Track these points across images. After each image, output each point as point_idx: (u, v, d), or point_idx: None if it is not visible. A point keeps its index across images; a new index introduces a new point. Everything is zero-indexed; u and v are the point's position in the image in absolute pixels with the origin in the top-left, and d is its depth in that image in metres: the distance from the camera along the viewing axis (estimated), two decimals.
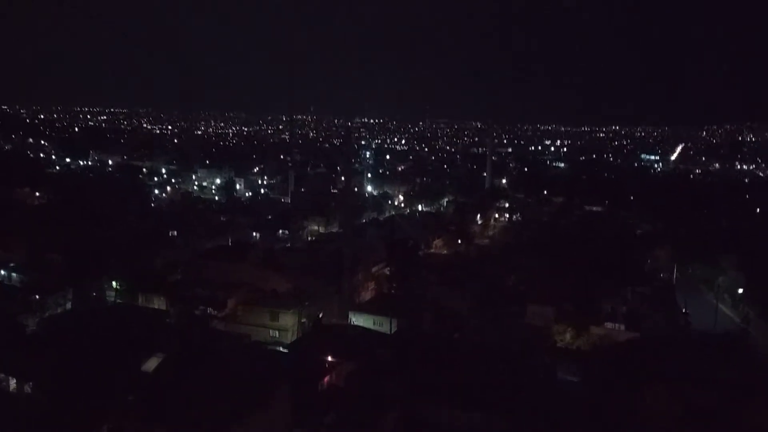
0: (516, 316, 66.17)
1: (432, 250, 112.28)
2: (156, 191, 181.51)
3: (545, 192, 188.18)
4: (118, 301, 79.31)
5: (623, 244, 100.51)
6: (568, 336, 62.01)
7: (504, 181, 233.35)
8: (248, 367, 48.07)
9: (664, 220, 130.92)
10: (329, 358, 53.23)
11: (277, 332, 68.43)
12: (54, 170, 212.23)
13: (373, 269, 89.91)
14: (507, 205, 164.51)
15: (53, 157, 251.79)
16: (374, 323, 66.32)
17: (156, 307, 76.65)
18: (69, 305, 76.77)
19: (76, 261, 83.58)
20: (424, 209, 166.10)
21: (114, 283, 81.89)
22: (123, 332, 57.74)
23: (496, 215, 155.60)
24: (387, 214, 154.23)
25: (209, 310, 74.02)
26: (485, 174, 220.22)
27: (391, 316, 65.33)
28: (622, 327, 63.51)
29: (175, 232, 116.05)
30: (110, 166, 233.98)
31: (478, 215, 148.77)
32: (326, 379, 50.34)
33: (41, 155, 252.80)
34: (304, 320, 69.55)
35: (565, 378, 47.29)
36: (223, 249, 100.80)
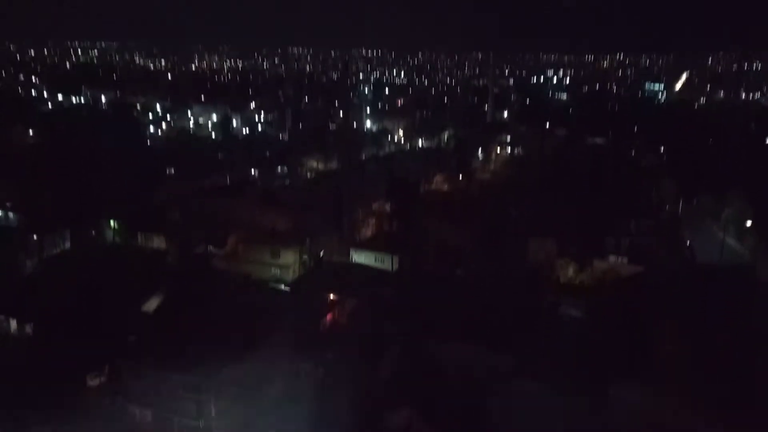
0: (518, 251, 65.32)
1: (433, 186, 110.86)
2: (151, 129, 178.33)
3: (547, 124, 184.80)
4: (117, 240, 78.71)
5: (627, 176, 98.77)
6: (570, 271, 61.35)
7: (505, 114, 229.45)
8: (250, 306, 47.72)
9: (669, 152, 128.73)
10: (331, 296, 52.92)
11: (278, 270, 68.04)
12: (46, 108, 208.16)
13: (374, 206, 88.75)
14: (508, 138, 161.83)
15: (45, 94, 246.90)
16: (375, 260, 65.74)
17: (155, 246, 76.12)
18: (67, 245, 76.22)
19: (73, 200, 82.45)
20: (424, 144, 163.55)
21: (111, 222, 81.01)
22: (122, 273, 57.39)
23: (498, 149, 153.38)
24: (387, 150, 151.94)
25: (209, 248, 73.45)
26: (486, 107, 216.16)
27: (392, 253, 64.68)
28: (625, 260, 62.86)
29: (173, 171, 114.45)
30: (103, 103, 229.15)
31: (480, 150, 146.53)
32: (328, 316, 50.13)
33: (33, 93, 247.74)
34: (305, 258, 68.97)
35: (568, 314, 46.81)
36: (222, 187, 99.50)
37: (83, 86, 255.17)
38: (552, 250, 63.91)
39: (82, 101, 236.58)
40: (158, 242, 76.01)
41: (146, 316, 46.34)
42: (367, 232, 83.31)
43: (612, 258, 63.20)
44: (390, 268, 63.51)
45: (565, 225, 71.02)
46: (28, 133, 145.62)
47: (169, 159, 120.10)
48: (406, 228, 77.22)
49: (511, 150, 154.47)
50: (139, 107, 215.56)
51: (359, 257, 67.56)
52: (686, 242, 69.24)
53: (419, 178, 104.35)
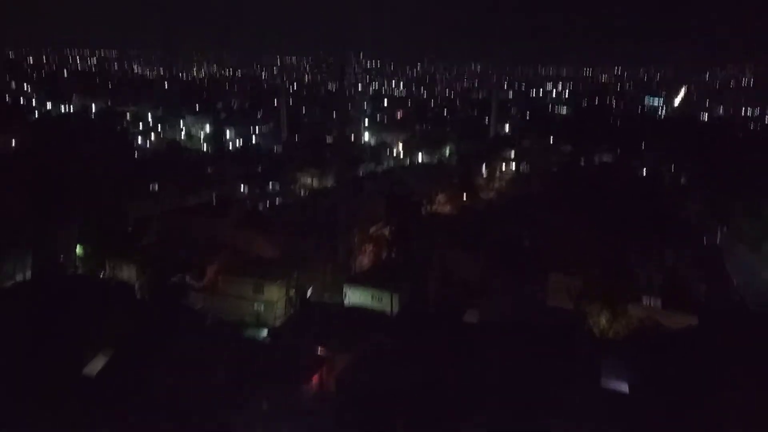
0: (538, 290, 56.75)
1: (435, 207, 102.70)
2: (140, 139, 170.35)
3: (551, 139, 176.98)
4: (81, 270, 70.39)
5: (649, 198, 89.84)
6: (603, 320, 52.31)
7: (507, 127, 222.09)
8: (220, 365, 39.33)
9: (687, 169, 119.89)
10: (319, 349, 44.43)
11: (261, 307, 59.85)
12: (32, 117, 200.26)
13: (372, 230, 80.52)
14: (513, 153, 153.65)
15: (34, 102, 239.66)
16: (373, 298, 57.26)
17: (125, 275, 67.79)
18: (28, 274, 67.86)
19: (42, 221, 74.09)
20: (425, 160, 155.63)
21: (78, 247, 72.78)
22: (79, 318, 48.29)
23: (503, 166, 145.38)
24: (386, 166, 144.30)
25: (186, 278, 65.25)
26: (488, 120, 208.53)
27: (392, 291, 56.23)
28: (659, 303, 53.81)
29: (156, 186, 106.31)
30: (93, 112, 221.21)
31: (484, 166, 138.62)
32: (315, 377, 41.60)
33: (22, 101, 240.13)
34: (291, 294, 60.64)
35: (609, 387, 37.38)
36: (206, 205, 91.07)
37: (74, 94, 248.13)
38: (577, 290, 54.88)
39: (71, 110, 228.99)
40: (128, 272, 67.65)
41: (88, 381, 37.75)
42: (364, 260, 75.07)
43: (645, 300, 54.06)
44: (390, 310, 55.08)
45: (586, 256, 62.50)
46: (11, 142, 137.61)
47: (154, 173, 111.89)
48: (408, 257, 69.03)
49: (516, 167, 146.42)
50: (129, 116, 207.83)
51: (354, 295, 58.98)
52: (732, 280, 60.30)
53: (421, 197, 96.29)
